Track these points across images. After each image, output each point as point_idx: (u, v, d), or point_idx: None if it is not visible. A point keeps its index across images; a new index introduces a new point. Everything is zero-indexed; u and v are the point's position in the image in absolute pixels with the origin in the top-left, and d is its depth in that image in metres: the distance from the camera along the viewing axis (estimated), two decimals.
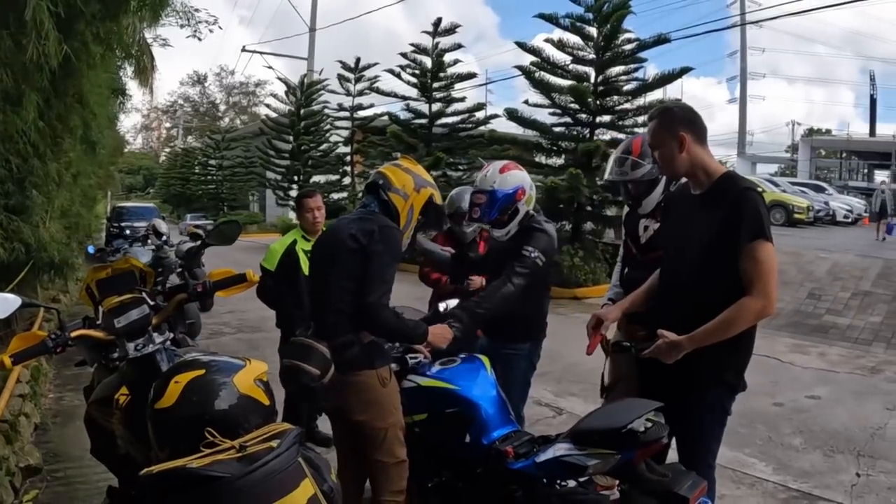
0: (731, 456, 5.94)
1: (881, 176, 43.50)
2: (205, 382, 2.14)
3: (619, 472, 3.25)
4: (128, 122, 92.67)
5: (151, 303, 3.46)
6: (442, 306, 4.54)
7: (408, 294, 5.14)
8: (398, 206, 3.82)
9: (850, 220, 30.38)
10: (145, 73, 14.01)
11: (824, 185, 36.37)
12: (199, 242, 5.12)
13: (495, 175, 4.50)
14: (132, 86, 15.22)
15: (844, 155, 52.97)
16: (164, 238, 11.65)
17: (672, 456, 3.54)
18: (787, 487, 5.47)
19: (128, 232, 18.45)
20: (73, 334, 3.23)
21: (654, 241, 4.13)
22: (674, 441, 3.49)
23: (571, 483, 3.51)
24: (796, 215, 27.13)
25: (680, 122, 3.37)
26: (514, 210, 4.49)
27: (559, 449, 3.33)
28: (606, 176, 4.45)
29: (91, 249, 11.95)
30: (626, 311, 3.84)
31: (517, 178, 4.53)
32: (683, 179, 3.61)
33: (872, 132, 48.52)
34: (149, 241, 12.06)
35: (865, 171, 50.23)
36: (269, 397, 2.23)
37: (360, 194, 28.22)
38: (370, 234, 3.59)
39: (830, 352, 10.69)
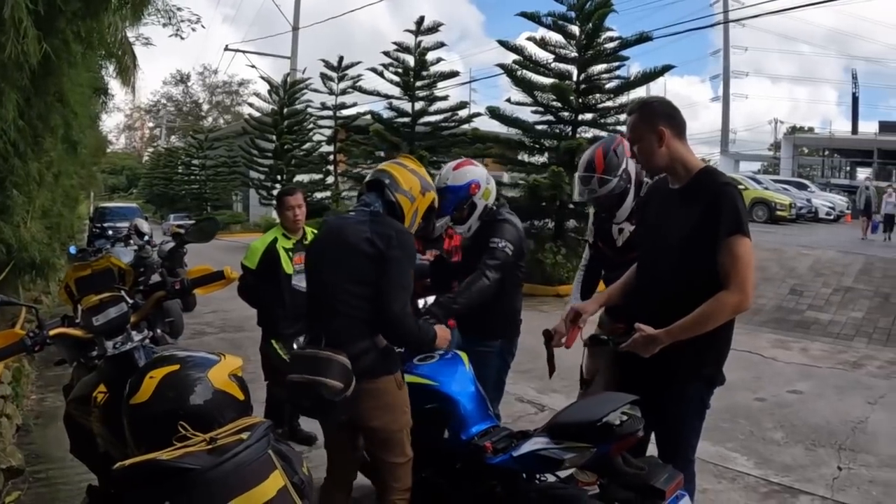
0: (713, 450, 5.98)
1: (863, 173, 43.75)
2: (179, 377, 2.14)
3: (595, 466, 3.27)
4: (110, 122, 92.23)
5: (130, 301, 3.45)
6: (420, 303, 4.53)
7: None
8: (405, 208, 3.70)
9: (832, 217, 30.55)
10: (127, 72, 13.90)
11: (807, 182, 36.55)
12: (177, 240, 5.12)
13: (449, 172, 4.63)
14: (114, 85, 15.10)
15: (827, 153, 53.20)
16: (147, 238, 11.63)
17: (651, 450, 3.55)
18: (768, 481, 5.50)
19: (110, 232, 18.33)
20: (52, 332, 3.21)
21: (630, 242, 4.24)
22: (653, 435, 3.52)
23: (551, 478, 3.53)
24: (779, 212, 27.28)
25: (659, 117, 3.37)
26: (471, 204, 4.55)
27: (536, 443, 3.33)
28: (575, 197, 4.60)
29: (73, 250, 11.88)
30: (604, 305, 3.87)
31: (471, 172, 4.60)
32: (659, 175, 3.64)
33: (854, 130, 48.77)
34: (131, 242, 12.00)
35: (847, 168, 50.52)
36: (244, 392, 2.23)
37: (343, 193, 28.31)
38: (388, 238, 3.46)
39: (812, 347, 10.77)
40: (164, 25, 13.25)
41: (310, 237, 5.84)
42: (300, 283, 5.46)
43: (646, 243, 3.65)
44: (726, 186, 3.26)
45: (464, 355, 4.21)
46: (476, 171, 4.62)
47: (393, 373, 3.60)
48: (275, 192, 31.34)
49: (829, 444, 6.34)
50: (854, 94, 50.39)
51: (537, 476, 3.55)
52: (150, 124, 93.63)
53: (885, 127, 45.90)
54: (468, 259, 4.64)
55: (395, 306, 3.40)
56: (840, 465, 5.88)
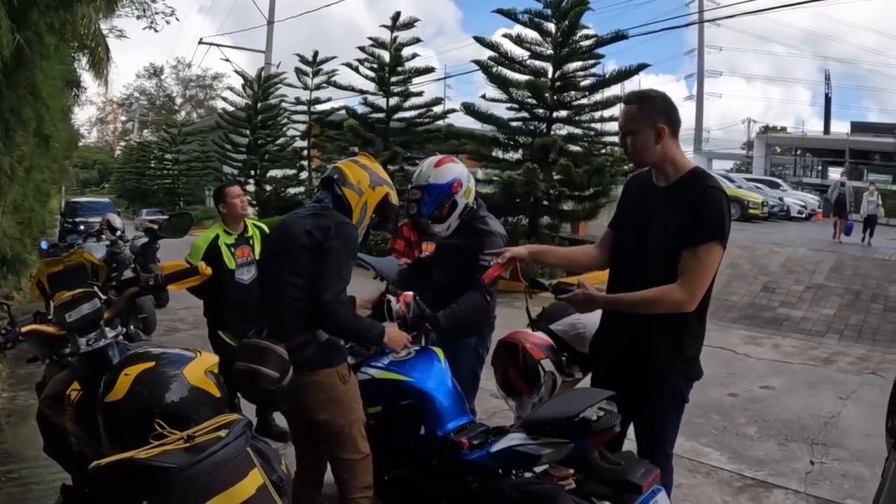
0: (688, 445, 6.01)
1: (835, 173, 44.13)
2: (155, 374, 2.12)
3: (572, 461, 3.28)
4: (82, 116, 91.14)
5: (103, 297, 3.43)
6: (394, 301, 4.51)
7: (366, 289, 5.12)
8: (352, 201, 3.77)
9: (804, 215, 30.76)
10: (100, 64, 13.72)
11: (779, 181, 36.78)
12: (150, 236, 5.10)
13: (430, 169, 4.54)
14: (87, 78, 14.94)
15: (799, 152, 53.59)
16: (119, 233, 11.49)
17: (628, 445, 3.56)
18: (742, 476, 5.54)
19: (82, 227, 18.16)
20: (24, 329, 3.18)
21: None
22: (630, 431, 3.53)
23: (527, 474, 3.53)
24: (751, 210, 27.44)
25: (660, 113, 3.32)
26: (452, 203, 4.49)
27: (512, 439, 3.33)
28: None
29: (44, 245, 11.71)
30: (537, 257, 3.83)
31: (452, 170, 4.54)
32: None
33: (827, 130, 49.22)
34: (103, 237, 11.87)
35: (819, 167, 50.89)
36: (221, 389, 2.21)
37: (317, 189, 28.23)
38: (326, 230, 3.52)
39: (784, 343, 10.86)
40: (139, 18, 13.15)
41: (251, 231, 6.11)
42: (242, 276, 5.92)
43: (626, 236, 3.60)
44: (714, 190, 3.25)
45: (439, 351, 4.21)
46: (458, 169, 4.57)
47: (334, 366, 3.63)
48: (249, 188, 31.26)
49: (801, 438, 6.40)
50: (827, 95, 50.84)
51: (514, 472, 3.56)
52: (123, 118, 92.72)
53: (857, 127, 46.41)
54: (447, 258, 4.65)
55: (327, 294, 3.42)
56: (812, 459, 5.94)
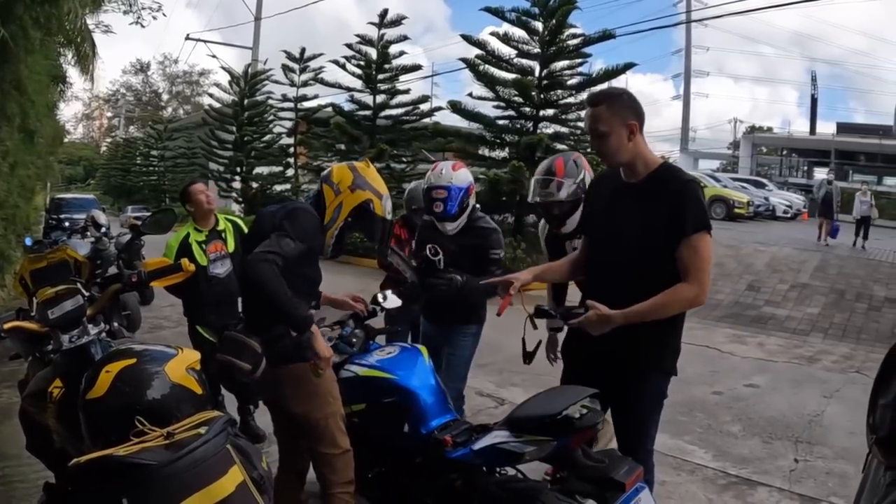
0: (672, 443, 6.02)
1: (820, 173, 44.30)
2: (136, 371, 2.11)
3: (555, 459, 3.28)
4: (68, 111, 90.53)
5: (86, 293, 3.42)
6: (380, 297, 4.60)
7: (350, 286, 5.13)
8: (327, 199, 3.81)
9: (789, 215, 30.86)
10: (86, 60, 13.67)
11: (765, 181, 36.91)
12: (134, 232, 5.08)
13: (450, 172, 4.95)
14: (73, 73, 14.89)
15: (785, 152, 53.76)
16: (104, 230, 11.45)
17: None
18: (726, 473, 5.56)
19: (67, 224, 18.13)
20: (6, 326, 3.18)
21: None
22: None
23: (511, 471, 3.54)
24: (737, 210, 27.52)
25: (629, 110, 3.32)
26: (467, 204, 4.96)
27: (496, 437, 3.34)
28: (531, 198, 4.65)
29: (29, 241, 11.70)
30: (539, 277, 3.88)
31: (467, 174, 5.04)
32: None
33: (813, 131, 49.35)
34: (88, 234, 11.82)
35: (805, 168, 51.07)
36: (202, 386, 2.20)
37: (303, 185, 28.13)
38: (285, 212, 3.61)
39: (769, 342, 10.90)
40: (125, 13, 13.14)
41: (223, 224, 6.10)
42: (217, 270, 5.90)
43: (597, 237, 3.60)
44: (690, 183, 3.29)
45: (423, 349, 4.24)
46: (469, 174, 5.09)
47: (307, 360, 3.59)
48: (234, 185, 31.22)
49: (785, 436, 6.42)
50: (813, 96, 50.94)
51: (497, 470, 3.56)
52: (109, 114, 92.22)
53: (843, 128, 46.58)
54: (457, 256, 4.95)
55: (258, 252, 3.39)
56: (797, 457, 5.96)
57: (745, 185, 32.17)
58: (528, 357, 4.04)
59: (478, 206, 5.17)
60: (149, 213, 7.20)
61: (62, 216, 23.51)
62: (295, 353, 3.60)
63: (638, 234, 3.29)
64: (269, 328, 3.54)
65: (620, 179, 3.47)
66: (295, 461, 3.98)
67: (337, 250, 3.94)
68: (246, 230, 5.50)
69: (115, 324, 4.28)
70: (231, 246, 5.98)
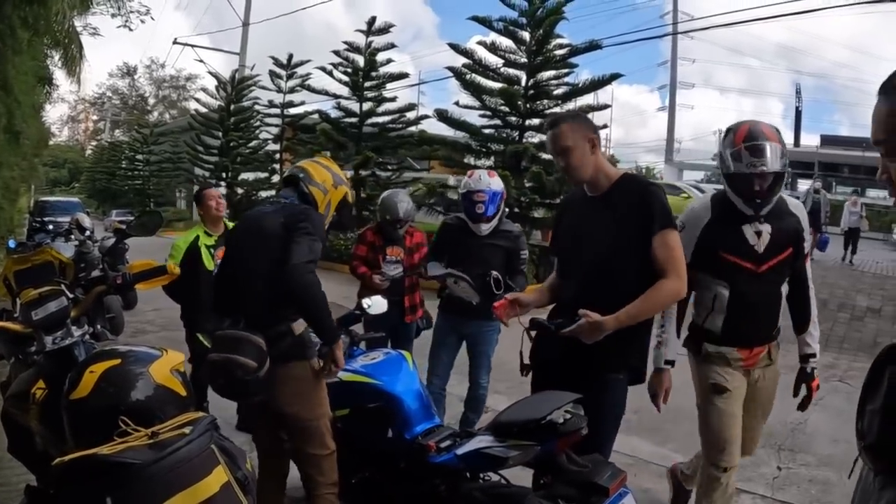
0: (655, 451, 6.06)
1: (804, 185, 44.53)
2: (120, 372, 2.11)
3: (539, 463, 3.30)
4: (54, 113, 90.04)
5: (70, 295, 3.41)
6: (366, 303, 4.61)
7: (334, 292, 5.14)
8: (318, 199, 3.91)
9: None
10: (73, 62, 13.63)
11: None
12: (119, 234, 5.07)
13: (487, 179, 5.45)
14: (59, 75, 14.83)
15: None
16: (88, 233, 11.42)
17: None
18: None
19: (51, 227, 18.05)
20: None
21: (771, 247, 3.81)
22: None
23: (495, 477, 3.55)
24: None
25: (587, 126, 3.55)
26: (500, 208, 5.46)
27: (480, 441, 3.36)
28: (730, 169, 3.81)
29: (12, 244, 11.66)
30: (540, 303, 3.82)
31: (501, 182, 5.53)
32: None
33: (797, 143, 49.65)
34: (72, 237, 11.78)
35: (789, 179, 51.38)
36: (186, 388, 2.20)
37: (280, 187, 28.13)
38: (296, 215, 3.63)
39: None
40: (113, 16, 13.09)
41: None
42: None
43: (568, 254, 3.71)
44: (652, 186, 3.53)
45: (408, 355, 4.27)
46: (502, 182, 5.57)
47: (308, 358, 3.70)
48: (220, 190, 31.05)
49: (768, 444, 6.43)
50: (798, 108, 51.27)
51: (481, 475, 3.57)
52: (95, 117, 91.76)
53: (827, 140, 47.00)
54: (488, 256, 5.33)
55: (294, 259, 3.44)
56: (780, 464, 5.99)
57: None
58: (526, 369, 3.91)
59: (506, 209, 5.61)
60: (133, 217, 7.16)
61: (46, 219, 23.38)
62: (297, 352, 3.66)
63: (610, 241, 3.41)
64: (270, 326, 3.54)
65: (583, 196, 3.63)
66: (276, 465, 3.99)
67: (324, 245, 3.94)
68: None
69: (99, 326, 4.28)
70: None
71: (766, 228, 3.80)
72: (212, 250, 5.87)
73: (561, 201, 4.46)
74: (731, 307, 3.90)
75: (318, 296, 3.49)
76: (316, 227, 3.62)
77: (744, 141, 3.68)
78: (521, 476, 3.67)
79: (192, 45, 38.53)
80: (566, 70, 17.71)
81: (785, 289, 4.00)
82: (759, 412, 4.26)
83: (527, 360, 3.85)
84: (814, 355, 4.16)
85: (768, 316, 3.97)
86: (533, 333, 3.64)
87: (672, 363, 4.03)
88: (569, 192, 3.96)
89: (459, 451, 3.41)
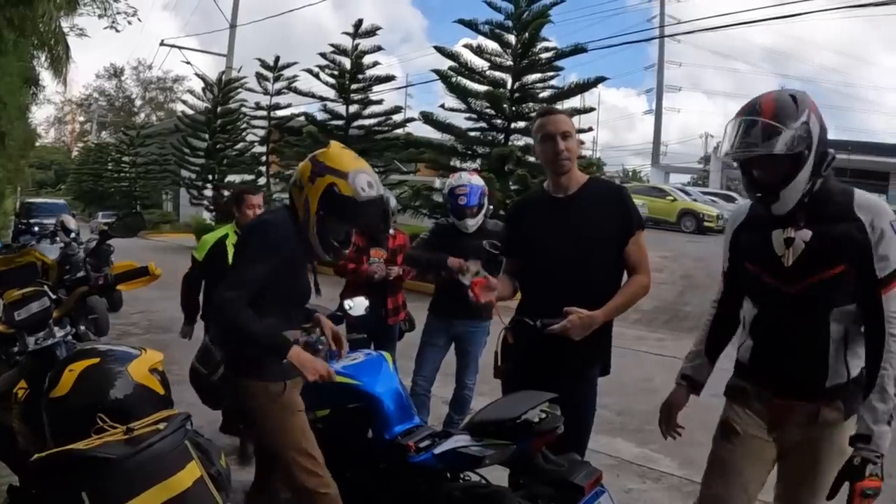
0: (638, 451, 6.09)
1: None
2: (99, 371, 2.13)
3: (515, 463, 3.33)
4: (40, 115, 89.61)
5: (53, 296, 3.42)
6: (348, 304, 4.64)
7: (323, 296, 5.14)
8: (295, 199, 3.43)
9: None
10: (60, 63, 13.57)
11: (734, 195, 37.20)
12: (101, 235, 5.06)
13: (468, 176, 5.70)
14: (46, 76, 14.78)
15: None
16: (73, 235, 11.39)
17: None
18: (692, 481, 5.57)
19: (36, 228, 17.97)
20: None
21: (810, 258, 2.77)
22: None
23: (475, 478, 3.58)
24: (706, 223, 27.69)
25: None
26: (483, 203, 5.60)
27: (457, 441, 3.38)
28: (722, 151, 3.04)
29: None
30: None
31: (482, 180, 5.74)
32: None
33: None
34: (57, 238, 11.76)
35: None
36: (165, 387, 2.22)
37: (275, 195, 28.06)
38: (245, 229, 3.58)
39: (735, 354, 10.96)
40: (100, 17, 13.03)
41: None
42: None
43: (534, 254, 3.66)
44: (623, 189, 3.73)
45: (387, 356, 4.29)
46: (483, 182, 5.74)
47: (263, 379, 3.30)
48: (206, 192, 31.01)
49: None
50: None
51: (461, 476, 3.60)
52: (81, 118, 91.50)
53: None
54: (475, 252, 5.19)
55: (222, 289, 3.13)
56: None
57: (714, 198, 32.44)
58: (501, 372, 3.75)
59: (491, 207, 5.71)
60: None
61: (32, 220, 23.26)
62: (247, 369, 3.32)
63: (584, 240, 3.47)
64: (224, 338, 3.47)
65: (546, 197, 3.68)
66: (267, 479, 3.75)
67: (331, 249, 3.50)
68: None
69: (82, 327, 4.28)
70: None
71: (804, 235, 2.76)
72: None
73: (513, 204, 4.57)
74: (757, 333, 3.08)
75: (242, 328, 3.11)
76: (255, 245, 3.26)
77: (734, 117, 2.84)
78: (502, 476, 3.70)
79: (180, 47, 38.45)
80: (552, 73, 17.79)
81: (848, 323, 2.76)
82: (805, 490, 2.97)
83: (501, 362, 3.73)
84: (868, 438, 2.58)
85: (808, 356, 2.82)
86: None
87: (686, 377, 3.64)
88: (520, 197, 3.99)
89: (436, 451, 3.43)
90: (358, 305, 4.70)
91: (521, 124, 17.77)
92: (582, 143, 3.68)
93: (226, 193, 30.46)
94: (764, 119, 2.70)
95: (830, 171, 2.80)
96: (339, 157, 3.39)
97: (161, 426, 1.99)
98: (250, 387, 3.30)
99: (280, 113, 29.61)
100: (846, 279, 2.70)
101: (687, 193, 31.23)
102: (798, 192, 2.72)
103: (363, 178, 3.32)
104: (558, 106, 17.63)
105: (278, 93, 29.35)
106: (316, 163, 3.36)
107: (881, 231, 2.65)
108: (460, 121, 18.43)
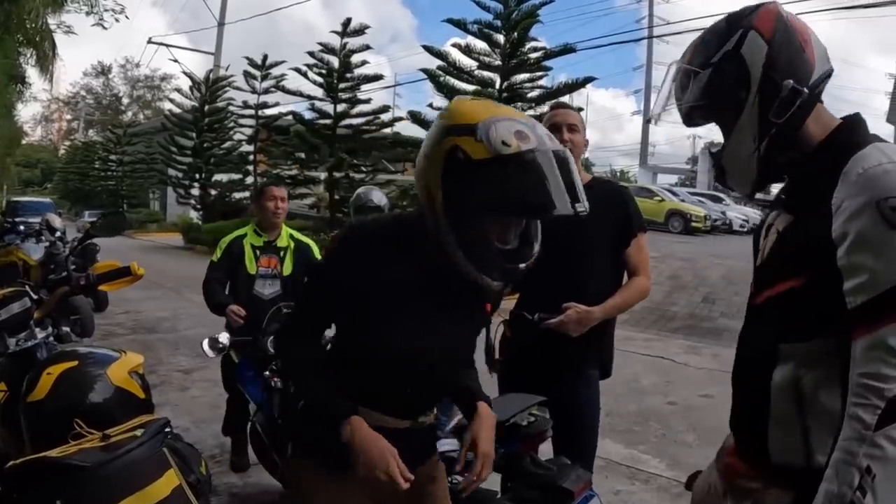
0: (626, 453, 6.05)
1: (776, 188, 44.79)
2: (78, 374, 2.09)
3: (503, 466, 3.28)
4: (26, 113, 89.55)
5: (34, 296, 3.37)
6: (223, 338, 4.33)
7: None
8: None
9: (745, 229, 31.13)
10: (46, 60, 13.51)
11: (722, 195, 37.23)
12: (84, 234, 4.99)
13: None
14: (32, 74, 14.71)
15: None
16: (59, 234, 11.31)
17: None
18: (680, 482, 5.50)
19: (21, 227, 17.85)
20: None
21: (772, 262, 1.89)
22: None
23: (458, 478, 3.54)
24: (694, 224, 27.76)
25: None
26: None
27: (443, 444, 3.32)
28: (653, 112, 2.22)
29: None
30: None
31: None
32: None
33: None
34: (42, 237, 11.66)
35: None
36: (145, 390, 2.18)
37: None
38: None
39: (724, 353, 10.94)
40: (87, 14, 12.95)
41: (286, 241, 5.27)
42: (263, 289, 5.06)
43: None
44: (626, 190, 3.69)
45: None
46: None
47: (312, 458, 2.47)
48: (193, 192, 30.98)
49: None
50: None
51: (450, 479, 3.56)
52: (68, 117, 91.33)
53: None
54: None
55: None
56: None
57: (702, 199, 32.51)
58: (495, 365, 3.27)
59: None
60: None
61: (17, 219, 23.10)
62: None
63: (585, 240, 3.39)
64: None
65: None
66: None
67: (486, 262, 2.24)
68: (318, 255, 5.14)
69: (65, 328, 4.22)
70: (288, 268, 5.15)
71: (781, 222, 1.86)
72: (257, 252, 5.16)
73: None
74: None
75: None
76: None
77: None
78: (494, 480, 3.67)
79: (167, 45, 38.50)
80: (540, 73, 17.81)
81: (806, 372, 1.69)
82: None
83: (498, 356, 3.72)
84: None
85: (749, 406, 1.95)
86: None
87: None
88: None
89: None
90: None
91: None
92: (587, 142, 3.61)
93: (213, 192, 30.46)
94: (683, 64, 1.85)
95: (834, 118, 1.81)
96: (468, 107, 2.11)
97: (138, 433, 1.95)
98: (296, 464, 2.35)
99: (268, 112, 29.62)
100: (799, 300, 1.67)
101: (675, 194, 31.31)
102: (744, 157, 1.80)
103: (505, 128, 1.95)
104: (545, 107, 17.68)
105: (266, 91, 29.34)
106: (439, 127, 2.11)
107: (852, 222, 1.49)
108: None
